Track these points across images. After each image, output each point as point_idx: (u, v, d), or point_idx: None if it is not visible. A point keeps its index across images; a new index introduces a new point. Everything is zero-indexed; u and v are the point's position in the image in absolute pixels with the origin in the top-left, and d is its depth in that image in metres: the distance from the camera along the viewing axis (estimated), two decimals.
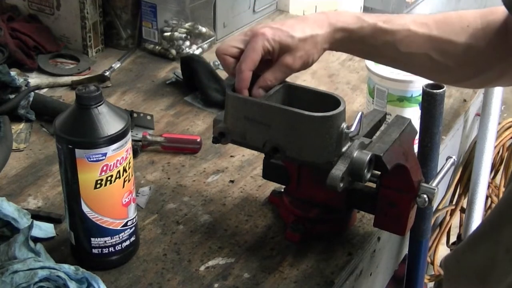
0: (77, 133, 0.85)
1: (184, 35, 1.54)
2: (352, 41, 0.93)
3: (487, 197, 1.60)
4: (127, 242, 0.93)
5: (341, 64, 1.55)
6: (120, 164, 0.87)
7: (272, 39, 0.89)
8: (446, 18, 0.94)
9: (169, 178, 1.13)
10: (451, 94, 1.43)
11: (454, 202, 1.63)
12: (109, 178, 0.86)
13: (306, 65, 0.93)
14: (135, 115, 1.25)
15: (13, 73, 1.30)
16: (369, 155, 0.87)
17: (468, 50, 0.92)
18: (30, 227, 0.90)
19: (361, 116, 0.90)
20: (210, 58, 1.52)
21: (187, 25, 1.55)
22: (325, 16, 0.92)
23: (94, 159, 0.84)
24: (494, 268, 0.77)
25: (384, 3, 2.33)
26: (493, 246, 0.78)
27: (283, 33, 0.90)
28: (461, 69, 0.95)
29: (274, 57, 0.91)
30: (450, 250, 1.74)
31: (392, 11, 2.33)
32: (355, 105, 1.38)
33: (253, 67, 0.90)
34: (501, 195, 1.66)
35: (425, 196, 0.91)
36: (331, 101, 0.90)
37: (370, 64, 1.20)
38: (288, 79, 0.95)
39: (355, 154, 0.88)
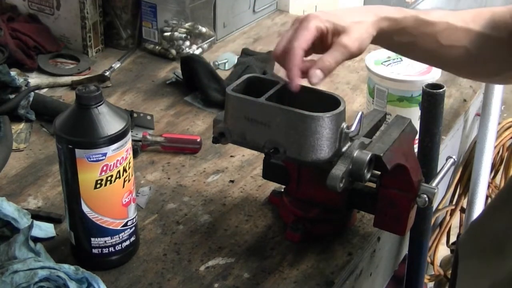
0: (77, 133, 0.85)
1: (184, 35, 1.54)
2: (396, 31, 0.92)
3: (487, 197, 1.59)
4: (127, 242, 0.93)
5: (341, 64, 1.55)
6: (120, 164, 0.87)
7: (326, 20, 0.87)
8: (480, 12, 0.95)
9: (169, 178, 1.13)
10: (451, 94, 1.43)
11: (454, 202, 1.63)
12: (109, 178, 0.86)
13: (361, 49, 0.89)
14: (135, 115, 1.25)
15: (13, 73, 1.30)
16: (369, 155, 0.87)
17: (502, 44, 0.92)
18: (30, 227, 0.90)
19: (361, 116, 0.89)
20: (210, 58, 1.52)
21: (187, 25, 1.55)
22: (367, 8, 0.92)
23: (94, 159, 0.84)
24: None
25: (384, 3, 2.33)
26: (511, 214, 0.78)
27: (335, 16, 0.88)
28: (495, 63, 0.95)
29: (328, 40, 0.88)
30: (450, 250, 1.74)
31: None
32: (355, 105, 1.38)
33: (306, 45, 0.85)
34: None
35: (425, 196, 0.91)
36: (331, 101, 0.90)
37: (370, 64, 1.20)
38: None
39: (355, 154, 0.88)
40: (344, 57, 0.88)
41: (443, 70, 1.05)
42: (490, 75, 1.02)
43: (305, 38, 0.85)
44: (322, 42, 0.88)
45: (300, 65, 0.86)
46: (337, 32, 0.87)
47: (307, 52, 0.87)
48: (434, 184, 0.94)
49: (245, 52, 1.56)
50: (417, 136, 1.09)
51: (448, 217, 1.65)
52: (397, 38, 0.93)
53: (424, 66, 1.18)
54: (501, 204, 0.86)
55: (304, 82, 0.91)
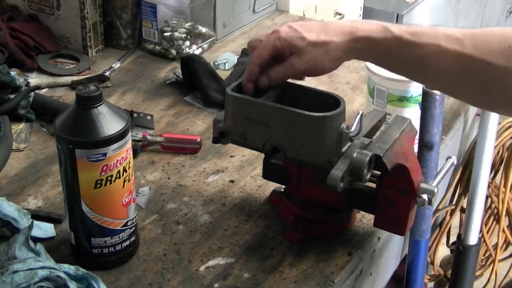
0: (77, 133, 0.85)
1: (184, 35, 1.54)
2: (373, 53, 0.88)
3: (487, 197, 1.59)
4: (127, 242, 0.93)
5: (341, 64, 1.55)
6: (120, 164, 0.87)
7: (283, 38, 0.90)
8: (487, 35, 0.82)
9: (169, 178, 1.13)
10: None
11: (454, 202, 1.63)
12: (109, 178, 0.86)
13: (313, 70, 0.91)
14: (135, 115, 1.25)
15: (13, 73, 1.30)
16: (369, 155, 0.87)
17: (505, 74, 0.80)
18: (30, 227, 0.90)
19: (361, 116, 0.89)
20: (210, 58, 1.52)
21: (187, 25, 1.55)
22: (348, 24, 0.89)
23: (94, 159, 0.84)
24: None
25: (384, 3, 2.33)
26: None
27: (297, 34, 0.89)
28: (497, 94, 0.84)
29: (285, 56, 0.91)
30: (450, 250, 1.74)
31: (392, 11, 2.33)
32: (355, 105, 1.38)
33: (260, 62, 0.91)
34: (501, 195, 1.66)
35: (425, 196, 0.91)
36: (331, 101, 0.90)
37: (370, 64, 1.20)
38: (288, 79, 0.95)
39: (355, 154, 0.88)
40: (290, 75, 0.93)
41: (451, 96, 0.96)
42: (496, 107, 0.90)
43: (260, 55, 0.91)
44: (281, 55, 0.92)
45: (253, 79, 0.92)
46: (293, 50, 0.90)
47: (266, 64, 0.92)
48: (434, 184, 0.94)
49: (245, 52, 1.56)
50: (417, 136, 1.09)
51: (448, 217, 1.65)
52: (375, 60, 0.90)
53: None
54: None
55: (304, 82, 0.92)
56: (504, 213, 1.67)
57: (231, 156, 1.19)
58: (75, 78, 1.44)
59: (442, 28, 0.85)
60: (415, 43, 0.84)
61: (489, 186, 1.60)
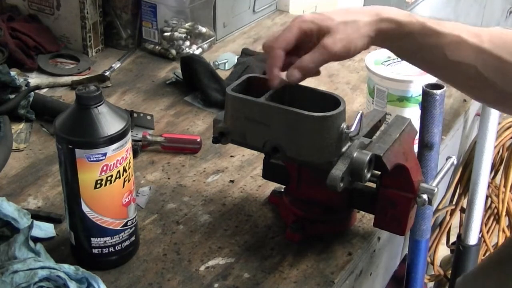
0: (77, 133, 0.85)
1: (184, 35, 1.54)
2: (398, 35, 0.87)
3: (487, 197, 1.59)
4: (127, 242, 0.93)
5: (341, 64, 1.55)
6: (120, 164, 0.87)
7: (310, 21, 0.85)
8: (503, 34, 0.86)
9: (169, 178, 1.13)
10: (451, 94, 1.43)
11: (454, 202, 1.63)
12: (109, 178, 0.86)
13: (347, 50, 0.86)
14: (135, 115, 1.25)
15: (13, 73, 1.30)
16: (369, 155, 0.87)
17: None
18: (30, 227, 0.90)
19: (361, 116, 0.89)
20: (210, 58, 1.52)
21: (187, 25, 1.55)
22: (372, 7, 0.88)
23: (94, 159, 0.84)
24: None
25: (384, 3, 2.33)
26: (503, 276, 0.77)
27: (323, 16, 0.86)
28: (508, 91, 0.86)
29: (313, 40, 0.86)
30: (450, 250, 1.74)
31: None
32: (355, 105, 1.38)
33: (285, 45, 0.86)
34: (501, 195, 1.66)
35: (425, 196, 0.91)
36: (331, 101, 0.90)
37: (370, 64, 1.20)
38: None
39: (355, 154, 0.88)
40: (325, 58, 0.86)
41: (452, 86, 0.97)
42: (504, 103, 0.91)
43: (285, 38, 0.86)
44: (308, 43, 0.87)
45: (279, 64, 0.86)
46: (322, 33, 0.85)
47: (292, 52, 0.87)
48: (434, 184, 0.94)
49: (245, 52, 1.56)
50: (417, 136, 1.09)
51: (448, 217, 1.65)
52: (399, 43, 0.89)
53: None
54: (492, 265, 0.84)
55: (304, 82, 0.92)
56: (504, 213, 1.68)
57: (231, 156, 1.19)
58: (75, 78, 1.44)
59: (461, 24, 0.87)
60: (438, 30, 0.85)
61: (489, 186, 1.60)
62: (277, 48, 0.86)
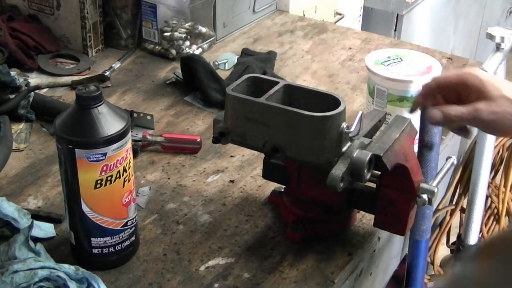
0: (77, 133, 0.85)
1: (184, 35, 1.54)
2: None
3: (487, 197, 1.59)
4: (127, 242, 0.93)
5: (341, 64, 1.55)
6: (120, 164, 0.87)
7: (479, 78, 0.83)
8: None
9: (169, 178, 1.13)
10: None
11: (454, 202, 1.63)
12: (109, 178, 0.86)
13: (494, 124, 0.83)
14: (135, 115, 1.25)
15: (13, 73, 1.30)
16: (369, 155, 0.87)
17: None
18: (30, 227, 0.90)
19: (361, 116, 0.90)
20: (210, 58, 1.52)
21: (187, 25, 1.55)
22: None
23: (94, 159, 0.84)
24: None
25: (384, 3, 2.33)
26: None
27: (493, 81, 0.83)
28: None
29: (470, 96, 0.84)
30: (450, 250, 1.74)
31: (392, 11, 2.33)
32: (355, 105, 1.38)
33: (442, 81, 0.87)
34: (501, 195, 1.66)
35: (425, 196, 0.91)
36: (331, 101, 0.90)
37: (370, 64, 1.20)
38: (288, 79, 0.95)
39: (355, 154, 0.88)
40: (470, 119, 0.85)
41: None
42: None
43: (447, 76, 0.87)
44: (466, 96, 0.85)
45: (428, 93, 0.88)
46: (482, 95, 0.83)
47: (446, 92, 0.86)
48: (434, 184, 0.94)
49: (245, 52, 1.56)
50: (417, 136, 1.09)
51: (448, 217, 1.65)
52: None
53: (424, 66, 1.18)
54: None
55: (304, 82, 0.91)
56: (504, 213, 1.67)
57: (231, 156, 1.19)
58: (75, 78, 1.44)
59: None
60: None
61: (489, 186, 1.60)
62: (433, 81, 0.87)
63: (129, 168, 0.89)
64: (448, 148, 1.35)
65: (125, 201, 0.90)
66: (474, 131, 1.56)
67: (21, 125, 1.26)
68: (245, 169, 1.16)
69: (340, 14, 2.08)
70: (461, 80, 0.85)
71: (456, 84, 0.86)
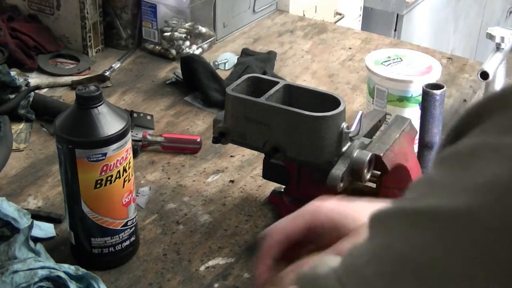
0: (77, 133, 0.85)
1: (184, 35, 1.54)
2: None
3: None
4: (127, 242, 0.93)
5: (341, 64, 1.55)
6: (120, 164, 0.87)
7: (325, 215, 0.70)
8: None
9: (169, 178, 1.13)
10: (451, 94, 1.43)
11: None
12: (109, 178, 0.86)
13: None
14: (135, 115, 1.25)
15: (13, 73, 1.30)
16: (369, 155, 0.87)
17: None
18: (30, 227, 0.90)
19: (361, 116, 0.90)
20: (210, 58, 1.52)
21: (187, 25, 1.55)
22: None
23: (94, 159, 0.84)
24: None
25: (384, 3, 2.33)
26: None
27: (345, 212, 0.70)
28: None
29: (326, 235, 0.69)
30: None
31: (392, 11, 2.33)
32: (355, 105, 1.38)
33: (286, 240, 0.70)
34: None
35: None
36: (331, 101, 0.90)
37: (370, 64, 1.20)
38: (288, 79, 0.95)
39: (355, 154, 0.88)
40: None
41: None
42: None
43: (291, 230, 0.70)
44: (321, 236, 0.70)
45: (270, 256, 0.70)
46: (340, 233, 0.68)
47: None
48: None
49: (245, 52, 1.56)
50: (417, 136, 1.09)
51: None
52: None
53: (424, 66, 1.18)
54: None
55: (304, 83, 0.92)
56: None
57: (231, 156, 1.19)
58: (75, 78, 1.44)
59: None
60: None
61: None
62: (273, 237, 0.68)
63: (129, 168, 0.89)
64: None
65: (125, 201, 0.90)
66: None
67: (21, 125, 1.26)
68: (245, 169, 1.16)
69: (340, 14, 2.08)
70: (308, 225, 0.70)
71: (306, 230, 0.69)
